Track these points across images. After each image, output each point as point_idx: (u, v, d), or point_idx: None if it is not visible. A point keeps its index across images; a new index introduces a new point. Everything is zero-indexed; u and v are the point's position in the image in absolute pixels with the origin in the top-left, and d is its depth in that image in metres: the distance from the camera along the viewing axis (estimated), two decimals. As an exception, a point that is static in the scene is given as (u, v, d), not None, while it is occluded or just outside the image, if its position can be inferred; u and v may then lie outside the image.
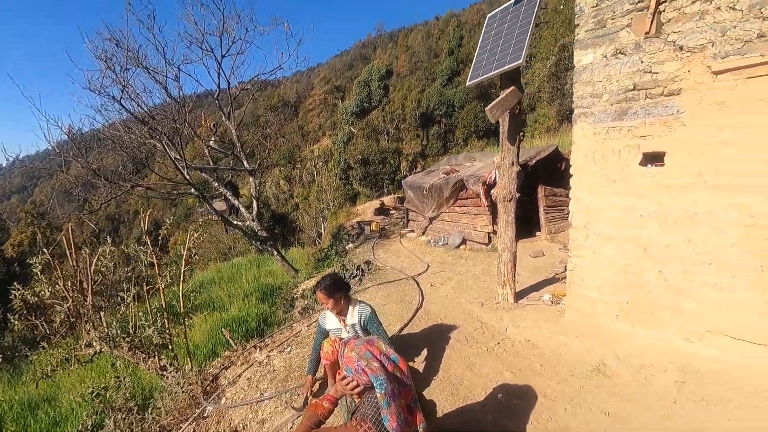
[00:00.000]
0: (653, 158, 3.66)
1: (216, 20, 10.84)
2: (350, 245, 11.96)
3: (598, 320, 4.14)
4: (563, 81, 21.38)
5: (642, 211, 3.74)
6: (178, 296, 4.87)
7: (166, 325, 4.75)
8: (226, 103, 11.24)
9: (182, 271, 4.88)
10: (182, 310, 4.91)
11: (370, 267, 8.24)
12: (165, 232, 5.31)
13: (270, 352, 4.81)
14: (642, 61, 3.64)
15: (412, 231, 12.13)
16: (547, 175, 9.37)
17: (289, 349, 4.84)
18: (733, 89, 3.17)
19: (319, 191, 24.43)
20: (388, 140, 32.57)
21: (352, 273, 7.92)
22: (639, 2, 3.63)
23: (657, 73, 3.56)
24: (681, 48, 3.41)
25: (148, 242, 4.85)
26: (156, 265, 4.88)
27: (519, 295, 5.28)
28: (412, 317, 5.10)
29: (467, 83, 5.07)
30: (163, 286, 4.83)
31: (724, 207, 3.26)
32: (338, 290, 3.34)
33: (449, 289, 6.25)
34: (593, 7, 3.95)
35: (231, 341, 5.59)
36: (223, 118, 11.37)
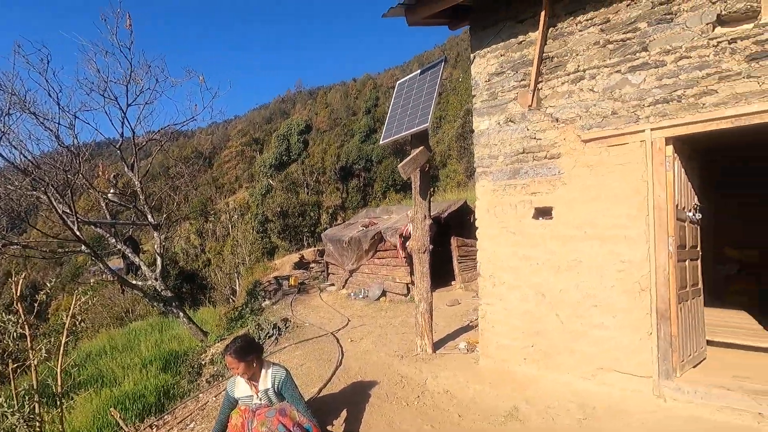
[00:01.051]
0: (543, 212, 4.13)
1: (122, 68, 10.32)
2: (267, 302, 11.36)
3: (509, 366, 4.35)
4: (469, 141, 23.67)
5: (538, 260, 4.13)
6: (56, 372, 4.15)
7: (37, 410, 3.98)
8: (130, 153, 10.49)
9: (63, 342, 4.21)
10: (59, 390, 4.18)
11: (287, 325, 7.86)
12: (44, 297, 4.59)
13: (170, 431, 4.24)
14: (528, 129, 4.20)
15: (333, 285, 11.94)
16: (459, 226, 10.01)
17: (192, 425, 4.31)
18: (598, 155, 3.77)
19: (235, 245, 23.24)
20: (308, 193, 32.59)
21: (268, 332, 7.47)
22: (522, 80, 4.24)
23: (540, 139, 4.12)
24: (557, 119, 4.01)
25: (21, 310, 4.14)
26: (28, 337, 4.15)
27: (437, 345, 5.38)
28: (330, 377, 4.90)
29: (380, 142, 5.38)
30: (36, 362, 4.10)
31: (602, 254, 3.75)
32: (250, 353, 3.13)
33: (369, 344, 6.16)
34: (486, 81, 4.52)
35: (122, 423, 4.84)
36: (126, 168, 10.55)
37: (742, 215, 6.12)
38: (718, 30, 3.24)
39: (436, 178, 30.02)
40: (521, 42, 4.24)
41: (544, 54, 4.08)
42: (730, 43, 3.17)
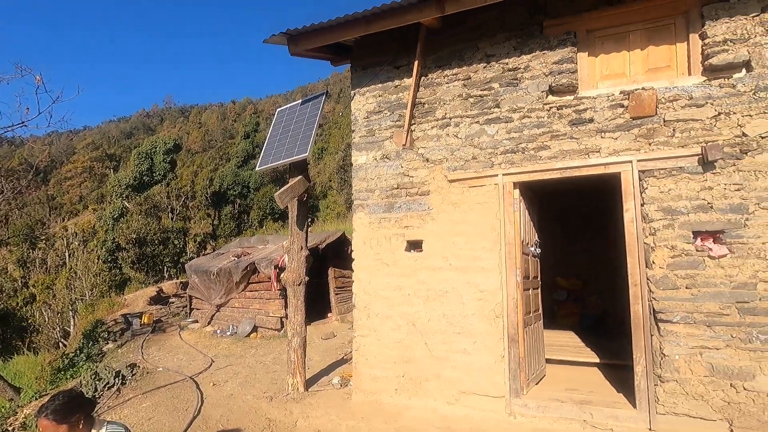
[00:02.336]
0: (415, 245, 4.37)
1: None
2: (110, 345, 9.62)
3: (382, 398, 4.37)
4: (349, 173, 24.34)
5: (409, 290, 4.32)
6: None
7: None
8: None
9: None
10: None
11: (134, 371, 6.72)
12: None
13: None
14: (402, 166, 4.47)
15: (196, 321, 10.73)
16: (337, 257, 10.01)
17: None
18: (461, 194, 4.18)
19: (72, 278, 19.44)
20: (173, 218, 29.32)
21: (108, 382, 6.27)
22: (398, 120, 4.54)
23: (413, 177, 4.41)
24: (428, 160, 4.36)
25: None
26: None
27: (310, 382, 5.15)
28: (185, 430, 4.28)
29: (256, 168, 5.15)
30: None
31: (464, 284, 4.09)
32: (73, 412, 2.53)
33: (235, 386, 5.61)
34: (365, 118, 4.72)
35: None
36: None
37: (571, 250, 7.38)
38: (551, 98, 3.95)
39: (316, 208, 29.93)
40: (397, 86, 4.56)
41: (417, 99, 4.44)
42: (558, 110, 3.88)
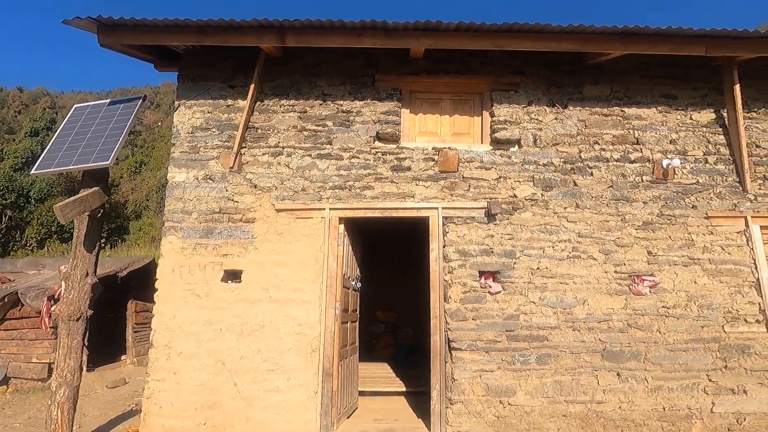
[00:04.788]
0: (234, 275, 4.05)
1: None
2: None
3: (175, 452, 3.75)
4: (172, 194, 21.65)
5: (222, 324, 3.93)
6: None
7: None
8: None
9: None
10: None
11: None
12: None
13: None
14: (227, 190, 4.17)
15: None
16: (142, 288, 8.54)
17: None
18: (288, 224, 4.11)
19: None
20: None
21: None
22: (227, 141, 4.26)
23: (238, 202, 4.15)
24: (255, 186, 4.18)
25: None
26: None
27: (79, 445, 4.09)
28: None
29: (33, 171, 4.12)
30: None
31: (283, 317, 3.94)
32: None
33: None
34: (189, 133, 4.30)
35: None
36: None
37: (390, 285, 7.97)
38: (377, 143, 4.31)
39: (124, 230, 25.48)
40: (230, 105, 4.33)
41: (250, 123, 4.28)
42: (383, 155, 4.25)
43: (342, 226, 4.19)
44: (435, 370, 3.90)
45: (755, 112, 4.32)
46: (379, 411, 4.73)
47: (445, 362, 3.89)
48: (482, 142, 4.39)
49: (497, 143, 4.28)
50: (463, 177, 4.19)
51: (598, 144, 4.26)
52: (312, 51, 4.26)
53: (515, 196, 4.13)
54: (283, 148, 4.26)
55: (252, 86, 4.17)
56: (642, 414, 3.72)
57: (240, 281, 4.01)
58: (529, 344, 3.85)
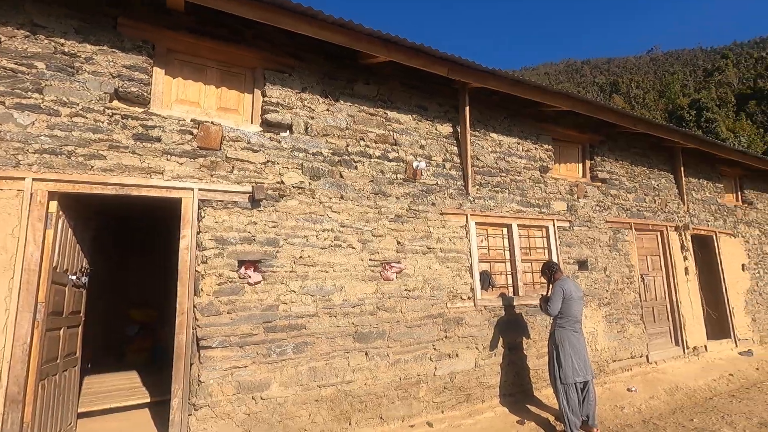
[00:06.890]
0: None
1: None
2: None
3: None
4: None
5: None
6: None
7: None
8: None
9: None
10: None
11: None
12: None
13: None
14: None
15: None
16: None
17: None
18: (-45, 197, 2.86)
19: None
20: None
21: None
22: None
23: None
24: None
25: None
26: None
27: None
28: None
29: None
30: None
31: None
32: None
33: None
34: None
35: None
36: None
37: (147, 278, 6.78)
38: (116, 103, 3.46)
39: None
40: None
41: None
42: (123, 119, 3.43)
43: (54, 204, 3.19)
44: (178, 374, 3.39)
45: (478, 131, 5.40)
46: (112, 431, 3.89)
47: (191, 364, 3.43)
48: (252, 122, 4.07)
49: (268, 125, 4.04)
50: (226, 157, 3.78)
51: (364, 140, 4.53)
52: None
53: (282, 182, 3.98)
54: (-48, 86, 2.94)
55: None
56: (383, 386, 4.14)
57: None
58: (287, 334, 3.77)
